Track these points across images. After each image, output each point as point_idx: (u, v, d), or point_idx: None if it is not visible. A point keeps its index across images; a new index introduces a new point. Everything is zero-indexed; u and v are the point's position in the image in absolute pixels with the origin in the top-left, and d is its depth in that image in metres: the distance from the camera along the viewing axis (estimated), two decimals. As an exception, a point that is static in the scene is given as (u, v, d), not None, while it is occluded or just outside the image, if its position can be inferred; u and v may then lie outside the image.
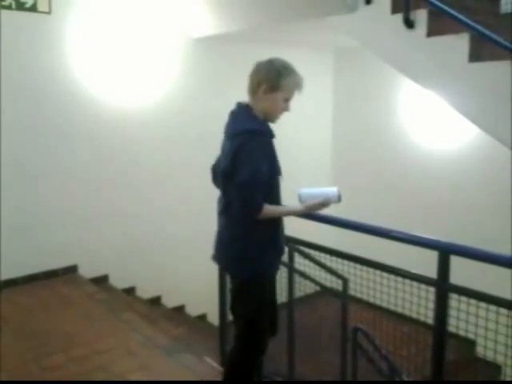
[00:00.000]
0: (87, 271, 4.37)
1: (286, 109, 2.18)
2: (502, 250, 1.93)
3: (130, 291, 4.67)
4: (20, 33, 3.87)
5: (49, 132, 4.16)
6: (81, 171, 4.35)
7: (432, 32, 3.00)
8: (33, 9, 3.90)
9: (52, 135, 4.18)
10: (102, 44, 4.32)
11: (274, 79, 2.10)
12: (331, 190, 2.12)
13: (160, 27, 4.68)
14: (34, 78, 4.02)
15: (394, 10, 3.16)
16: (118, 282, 4.55)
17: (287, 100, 2.15)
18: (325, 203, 2.11)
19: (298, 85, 2.13)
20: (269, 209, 2.09)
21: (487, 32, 2.62)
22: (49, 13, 3.98)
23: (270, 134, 2.16)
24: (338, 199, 2.11)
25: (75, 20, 4.15)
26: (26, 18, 3.88)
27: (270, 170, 2.10)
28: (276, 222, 2.22)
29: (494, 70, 2.73)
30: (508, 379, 2.05)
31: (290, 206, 2.20)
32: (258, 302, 2.22)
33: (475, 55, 2.83)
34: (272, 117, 2.18)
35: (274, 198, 2.17)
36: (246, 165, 2.03)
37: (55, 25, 4.05)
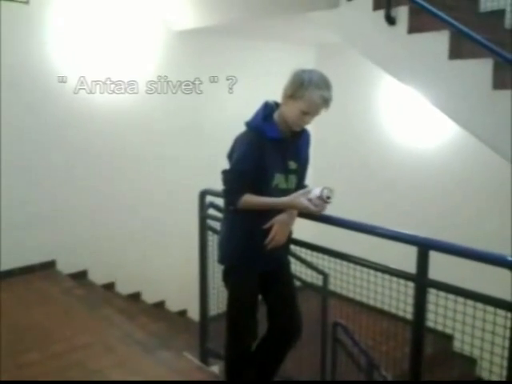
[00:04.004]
0: (65, 266, 4.30)
1: (303, 121, 2.12)
2: (494, 248, 1.93)
3: (110, 287, 4.62)
4: (-4, 23, 3.78)
5: (27, 126, 4.08)
6: (58, 167, 4.28)
7: (413, 29, 3.03)
8: (10, -2, 3.82)
9: (29, 130, 4.09)
10: (81, 36, 4.24)
11: (294, 88, 2.09)
12: (319, 188, 2.13)
13: (141, 19, 4.62)
14: (12, 69, 3.92)
15: (376, 7, 3.18)
16: (97, 277, 4.51)
17: (305, 113, 2.08)
18: (308, 197, 2.11)
19: (314, 102, 2.05)
20: (251, 198, 2.13)
21: (467, 30, 2.64)
22: (27, 2, 3.90)
23: (272, 135, 2.14)
24: (320, 197, 2.10)
25: (54, 11, 4.07)
26: (3, 8, 3.79)
27: (256, 168, 2.12)
28: (257, 217, 2.21)
29: (473, 67, 2.76)
30: (484, 372, 2.08)
31: (275, 198, 2.19)
32: (231, 291, 2.32)
33: (455, 52, 2.86)
34: (289, 123, 2.16)
35: (263, 195, 2.17)
36: (234, 155, 2.15)
37: (34, 15, 3.96)
